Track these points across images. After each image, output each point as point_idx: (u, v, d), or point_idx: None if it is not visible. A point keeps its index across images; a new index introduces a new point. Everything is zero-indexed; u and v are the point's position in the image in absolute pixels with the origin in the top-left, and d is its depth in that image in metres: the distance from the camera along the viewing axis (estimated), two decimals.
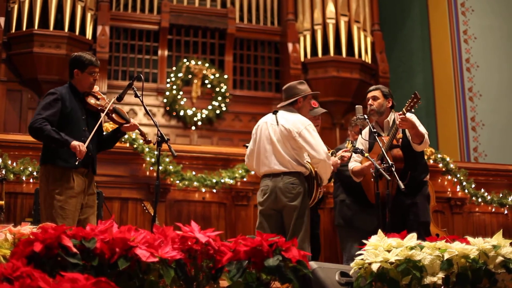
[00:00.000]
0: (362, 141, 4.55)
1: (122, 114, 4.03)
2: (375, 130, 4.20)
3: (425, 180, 4.49)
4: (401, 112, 4.12)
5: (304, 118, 4.28)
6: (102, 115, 3.94)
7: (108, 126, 5.20)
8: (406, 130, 4.30)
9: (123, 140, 5.62)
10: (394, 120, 4.38)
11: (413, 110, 4.16)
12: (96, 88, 4.05)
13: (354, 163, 4.59)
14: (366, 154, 4.28)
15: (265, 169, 4.25)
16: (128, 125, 4.03)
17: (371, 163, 4.14)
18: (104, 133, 4.26)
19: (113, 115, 3.98)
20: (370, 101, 4.45)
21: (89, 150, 3.82)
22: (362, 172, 4.49)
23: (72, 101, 3.88)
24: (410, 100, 4.11)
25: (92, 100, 3.96)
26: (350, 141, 5.11)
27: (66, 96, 3.86)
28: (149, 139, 4.06)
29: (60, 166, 3.78)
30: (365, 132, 4.63)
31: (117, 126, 4.09)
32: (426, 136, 4.23)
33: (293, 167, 4.17)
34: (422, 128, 4.24)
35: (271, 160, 4.20)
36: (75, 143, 3.67)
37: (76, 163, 3.68)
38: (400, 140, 4.35)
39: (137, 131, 4.17)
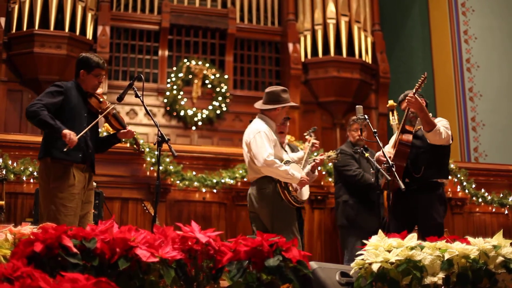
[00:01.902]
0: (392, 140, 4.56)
1: (120, 120, 4.08)
2: (375, 130, 4.22)
3: (440, 182, 4.37)
4: (411, 93, 4.22)
5: (257, 127, 4.34)
6: (100, 116, 3.98)
7: (109, 127, 5.21)
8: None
9: (123, 140, 5.62)
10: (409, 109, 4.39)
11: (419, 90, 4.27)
12: (99, 90, 4.08)
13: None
14: (367, 155, 4.32)
15: (247, 177, 4.60)
16: (125, 131, 4.07)
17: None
18: (100, 136, 4.30)
19: (111, 120, 4.02)
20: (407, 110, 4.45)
21: (88, 147, 3.90)
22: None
23: (77, 97, 3.93)
24: (420, 81, 4.27)
25: (94, 102, 3.99)
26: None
27: (71, 91, 3.91)
28: (142, 150, 4.10)
29: (60, 161, 3.80)
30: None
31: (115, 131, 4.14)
32: (440, 129, 4.19)
33: (262, 172, 4.29)
34: (446, 130, 4.23)
35: (248, 169, 4.46)
36: (66, 131, 3.67)
37: (65, 149, 3.66)
38: (417, 130, 4.37)
39: (131, 139, 4.20)
